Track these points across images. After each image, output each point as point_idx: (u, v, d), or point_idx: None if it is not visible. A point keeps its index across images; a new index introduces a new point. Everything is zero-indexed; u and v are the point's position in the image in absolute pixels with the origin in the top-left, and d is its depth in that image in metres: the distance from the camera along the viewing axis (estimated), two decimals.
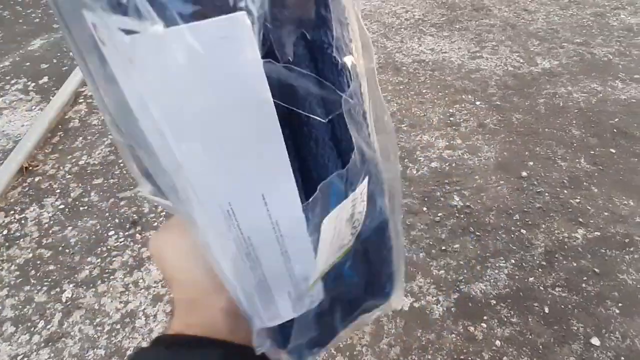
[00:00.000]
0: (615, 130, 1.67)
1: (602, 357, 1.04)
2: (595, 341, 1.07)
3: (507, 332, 1.10)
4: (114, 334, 1.16)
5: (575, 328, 1.10)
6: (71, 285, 1.28)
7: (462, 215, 1.41)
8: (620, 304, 1.14)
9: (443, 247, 1.32)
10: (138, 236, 1.40)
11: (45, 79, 2.11)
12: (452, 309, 1.16)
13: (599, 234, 1.32)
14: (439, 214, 1.42)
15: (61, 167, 1.64)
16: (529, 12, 2.45)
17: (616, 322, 1.10)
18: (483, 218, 1.40)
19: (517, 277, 1.22)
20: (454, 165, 1.57)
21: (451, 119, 1.77)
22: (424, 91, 1.92)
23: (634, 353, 1.04)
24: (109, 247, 1.37)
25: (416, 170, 1.56)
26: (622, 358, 1.03)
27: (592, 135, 1.66)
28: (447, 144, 1.65)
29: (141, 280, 1.28)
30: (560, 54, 2.12)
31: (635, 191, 1.44)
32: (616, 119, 1.72)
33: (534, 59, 2.09)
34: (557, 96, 1.86)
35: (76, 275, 1.30)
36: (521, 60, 2.08)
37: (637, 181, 1.47)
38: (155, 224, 1.43)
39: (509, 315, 1.13)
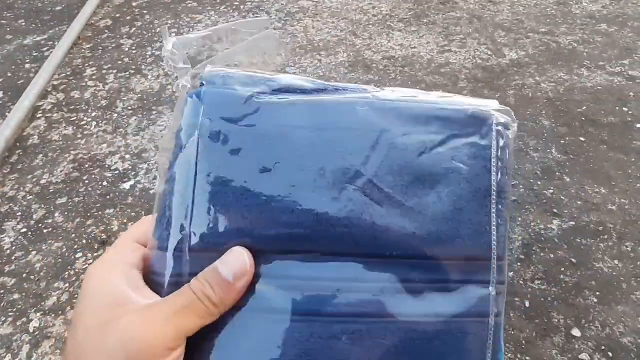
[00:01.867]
0: (583, 119, 1.69)
1: (583, 348, 1.04)
2: (575, 332, 1.08)
3: None
4: None
5: (556, 320, 1.10)
6: (38, 314, 1.21)
7: None
8: (597, 293, 1.15)
9: None
10: None
11: (0, 93, 2.00)
12: None
13: (573, 223, 1.33)
14: None
15: (21, 188, 1.55)
16: (494, 3, 2.47)
17: (595, 311, 1.11)
18: None
19: None
20: None
21: None
22: None
23: (613, 342, 1.05)
24: (76, 270, 1.30)
25: None
26: (603, 347, 1.04)
27: (561, 125, 1.68)
28: None
29: None
30: (526, 44, 2.14)
31: (606, 178, 1.46)
32: (584, 107, 1.75)
33: (502, 50, 2.11)
34: (525, 87, 1.87)
35: (43, 303, 1.24)
36: (489, 52, 2.09)
37: (607, 168, 1.50)
38: None
39: None
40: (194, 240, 0.26)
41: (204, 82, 0.29)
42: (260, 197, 0.27)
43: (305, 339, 0.26)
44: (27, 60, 2.18)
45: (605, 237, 1.29)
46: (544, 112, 1.74)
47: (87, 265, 1.31)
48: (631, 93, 1.80)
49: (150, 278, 0.27)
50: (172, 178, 0.27)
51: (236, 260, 0.26)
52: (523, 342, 1.07)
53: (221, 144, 0.27)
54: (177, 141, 0.28)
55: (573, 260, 1.23)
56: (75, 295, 1.24)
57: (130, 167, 1.60)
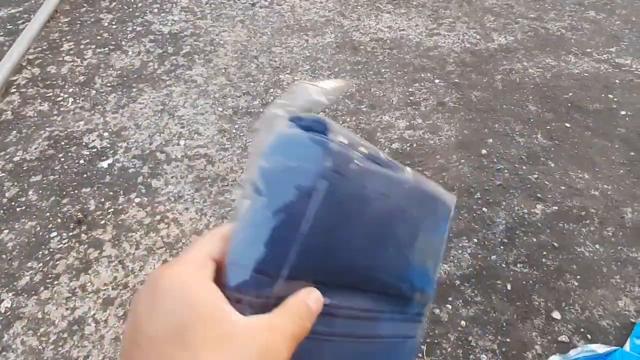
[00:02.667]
0: (569, 105, 1.69)
1: (563, 330, 1.05)
2: (556, 315, 1.08)
3: (472, 311, 1.09)
4: (60, 344, 1.07)
5: (537, 303, 1.11)
6: (10, 294, 1.17)
7: None
8: (578, 277, 1.16)
9: None
10: (84, 236, 1.29)
11: None
12: None
13: (556, 208, 1.34)
14: None
15: None
16: None
17: (575, 294, 1.12)
18: None
19: (480, 256, 1.22)
20: (415, 145, 1.54)
21: (411, 98, 1.74)
22: (382, 70, 1.88)
23: (592, 324, 1.06)
24: (51, 249, 1.26)
25: None
26: (582, 329, 1.05)
27: (547, 110, 1.67)
28: (408, 124, 1.63)
29: (89, 284, 1.18)
30: (515, 29, 2.13)
31: (590, 164, 1.47)
32: (570, 94, 1.74)
33: (490, 35, 2.09)
34: (513, 72, 1.86)
35: (16, 283, 1.19)
36: (478, 37, 2.07)
37: (591, 154, 1.50)
38: (103, 221, 1.33)
39: (473, 294, 1.13)
40: (286, 271, 0.30)
41: (327, 131, 0.32)
42: (345, 249, 0.33)
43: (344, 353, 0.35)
44: (1, 34, 2.09)
45: (588, 222, 1.29)
46: (530, 97, 1.73)
47: (62, 245, 1.27)
48: (617, 80, 1.81)
49: (229, 294, 0.29)
50: (274, 206, 0.30)
51: (317, 294, 0.31)
52: (504, 324, 1.07)
53: (335, 196, 0.31)
54: (282, 170, 0.31)
55: (555, 244, 1.24)
56: (50, 275, 1.20)
57: (108, 146, 1.55)
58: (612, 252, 1.21)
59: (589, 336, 1.04)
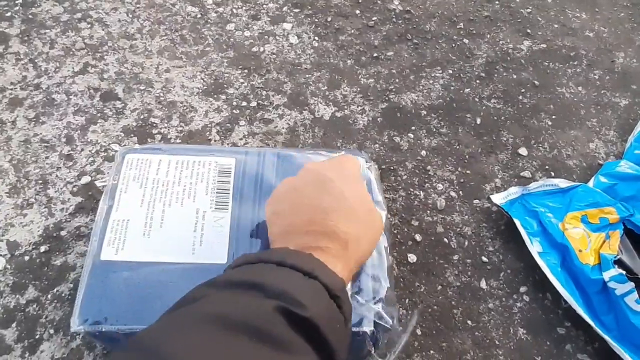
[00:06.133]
0: None
1: (527, 166, 0.98)
2: (522, 151, 1.00)
3: (435, 142, 0.99)
4: None
5: (505, 139, 1.01)
6: None
7: (400, 21, 1.20)
8: (554, 117, 1.06)
9: (375, 55, 1.13)
10: None
11: None
12: (379, 119, 1.02)
13: (544, 46, 1.19)
14: (374, 18, 1.20)
15: None
16: None
17: (547, 133, 1.03)
18: (424, 25, 1.20)
19: (452, 87, 1.09)
20: None
21: None
22: None
23: (558, 162, 0.99)
24: None
25: None
26: (547, 167, 0.98)
27: None
28: None
29: None
30: None
31: (590, 3, 1.29)
32: None
33: None
34: None
35: None
36: None
37: None
38: (9, 14, 1.08)
39: (438, 126, 1.02)
40: None
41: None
42: None
43: None
44: None
45: (575, 63, 1.16)
46: None
47: None
48: None
49: None
50: None
51: None
52: (467, 156, 0.98)
53: None
54: None
55: (536, 82, 1.11)
56: None
57: None
58: (595, 96, 1.10)
59: (552, 173, 0.97)
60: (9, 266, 0.77)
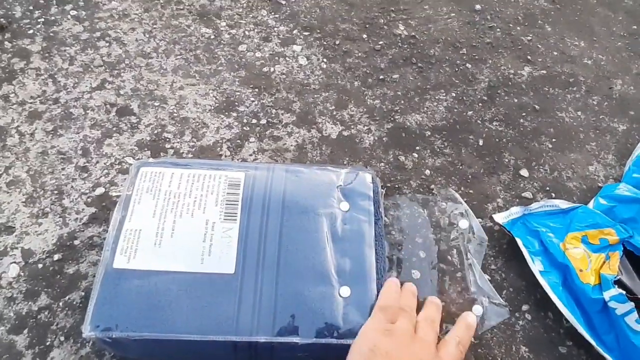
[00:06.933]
0: None
1: (528, 187, 1.00)
2: (524, 172, 1.03)
3: (439, 162, 1.02)
4: None
5: (507, 160, 1.04)
6: None
7: (405, 46, 1.25)
8: (554, 140, 1.09)
9: (381, 77, 1.17)
10: (7, 44, 1.10)
11: None
12: (384, 138, 1.05)
13: (544, 72, 1.23)
14: (380, 42, 1.25)
15: None
16: None
17: (547, 156, 1.06)
18: (428, 50, 1.25)
19: (456, 110, 1.12)
20: None
21: None
22: None
23: (559, 184, 1.01)
24: None
25: None
26: (547, 188, 1.00)
27: None
28: None
29: (12, 95, 1.03)
30: None
31: (588, 33, 1.34)
32: None
33: None
34: None
35: None
36: None
37: (592, 23, 1.36)
38: (31, 31, 1.13)
39: (442, 146, 1.05)
40: None
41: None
42: None
43: None
44: None
45: (574, 89, 1.20)
46: None
47: None
48: None
49: None
50: None
51: None
52: (470, 176, 1.01)
53: None
54: None
55: (537, 106, 1.15)
56: None
57: None
58: (593, 120, 1.14)
59: (553, 195, 1.00)
60: (22, 273, 0.79)
